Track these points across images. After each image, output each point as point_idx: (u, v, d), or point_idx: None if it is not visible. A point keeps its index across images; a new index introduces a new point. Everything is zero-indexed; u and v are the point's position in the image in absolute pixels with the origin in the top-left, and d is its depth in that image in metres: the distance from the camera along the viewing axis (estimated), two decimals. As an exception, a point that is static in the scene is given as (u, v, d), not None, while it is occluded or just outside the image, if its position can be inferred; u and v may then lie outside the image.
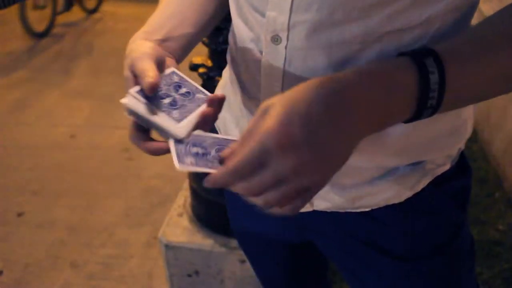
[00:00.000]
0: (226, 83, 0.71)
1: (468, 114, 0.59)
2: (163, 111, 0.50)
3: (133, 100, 0.49)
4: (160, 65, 0.53)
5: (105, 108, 3.07)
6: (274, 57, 0.52)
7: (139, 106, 0.49)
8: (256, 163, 0.39)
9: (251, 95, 0.61)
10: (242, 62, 0.60)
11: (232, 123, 0.69)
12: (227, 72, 0.71)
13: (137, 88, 0.50)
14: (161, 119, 0.49)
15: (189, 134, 0.49)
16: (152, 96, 0.50)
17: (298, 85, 0.41)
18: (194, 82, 0.55)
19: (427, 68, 0.42)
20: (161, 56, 0.54)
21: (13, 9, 3.84)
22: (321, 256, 0.93)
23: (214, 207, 1.48)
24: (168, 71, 0.54)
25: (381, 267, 0.67)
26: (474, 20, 0.52)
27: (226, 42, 0.96)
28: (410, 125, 0.52)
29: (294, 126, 0.38)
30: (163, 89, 0.52)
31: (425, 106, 0.43)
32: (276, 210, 0.43)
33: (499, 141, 2.31)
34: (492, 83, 0.46)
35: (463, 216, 0.66)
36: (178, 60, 0.60)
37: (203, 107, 0.52)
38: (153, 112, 0.49)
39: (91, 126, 2.88)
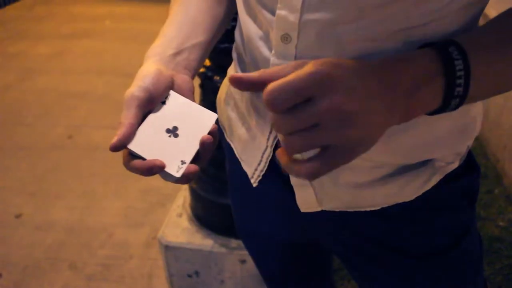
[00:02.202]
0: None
1: (477, 111, 0.59)
2: (165, 153, 0.51)
3: (138, 147, 0.52)
4: (152, 100, 0.54)
5: (103, 109, 3.06)
6: (284, 56, 0.51)
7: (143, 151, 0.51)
8: (303, 90, 0.38)
9: (259, 94, 0.60)
10: (251, 60, 0.59)
11: (238, 122, 0.68)
12: (232, 70, 0.70)
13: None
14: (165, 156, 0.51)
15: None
16: (152, 133, 0.52)
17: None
18: (191, 102, 0.56)
19: (451, 55, 0.42)
20: (158, 88, 0.54)
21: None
22: (326, 256, 0.93)
23: (213, 207, 1.48)
24: (167, 96, 0.55)
25: (391, 266, 0.67)
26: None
27: (224, 41, 0.95)
28: (421, 122, 0.51)
29: (348, 71, 0.39)
30: (161, 123, 0.53)
31: (452, 95, 0.43)
32: (298, 170, 0.41)
33: (498, 137, 2.31)
34: None
35: (472, 213, 0.66)
36: (195, 70, 0.60)
37: (202, 137, 0.53)
38: (155, 156, 0.51)
39: (89, 126, 2.87)
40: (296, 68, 0.40)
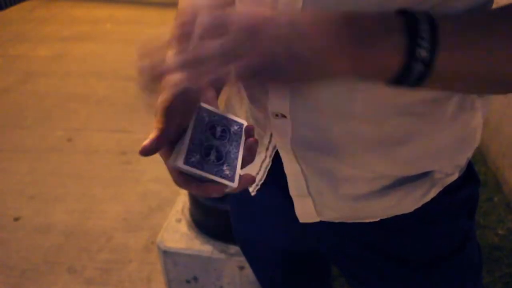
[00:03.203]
0: (231, 92, 0.70)
1: (477, 123, 0.59)
2: (214, 173, 0.48)
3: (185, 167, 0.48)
4: (184, 103, 0.49)
5: (103, 112, 3.06)
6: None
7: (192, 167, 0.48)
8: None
9: (259, 105, 0.60)
10: None
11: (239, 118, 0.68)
12: None
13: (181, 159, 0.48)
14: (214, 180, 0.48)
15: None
16: (196, 150, 0.48)
17: None
18: (221, 112, 0.53)
19: (415, 15, 0.39)
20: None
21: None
22: (325, 263, 0.93)
23: (213, 213, 1.47)
24: (197, 110, 0.51)
25: (390, 275, 0.67)
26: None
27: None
28: (419, 133, 0.51)
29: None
30: (202, 138, 0.50)
31: (413, 56, 0.39)
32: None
33: (497, 144, 2.31)
34: (490, 64, 0.42)
35: (471, 225, 0.66)
36: None
37: (243, 143, 0.51)
38: (206, 176, 0.48)
39: (89, 129, 2.87)
40: None
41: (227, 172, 0.48)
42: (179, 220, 1.61)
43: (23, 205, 2.20)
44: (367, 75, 0.42)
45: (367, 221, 0.62)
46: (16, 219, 2.11)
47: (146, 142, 0.46)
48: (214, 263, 1.49)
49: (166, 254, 1.51)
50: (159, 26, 4.49)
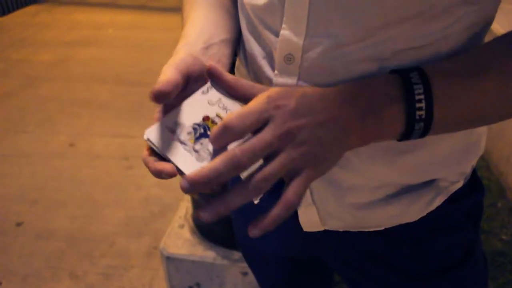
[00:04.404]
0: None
1: (482, 130, 0.58)
2: (186, 152, 0.44)
3: (156, 132, 0.44)
4: (193, 78, 0.49)
5: (105, 117, 3.06)
6: (287, 75, 0.51)
7: (160, 140, 0.44)
8: (254, 118, 0.41)
9: None
10: (254, 77, 0.59)
11: None
12: None
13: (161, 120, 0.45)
14: (180, 158, 0.43)
15: None
16: (178, 126, 0.44)
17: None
18: (230, 99, 0.47)
19: (411, 79, 0.43)
20: (194, 67, 0.49)
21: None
22: (327, 271, 0.92)
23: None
24: (208, 89, 0.47)
25: (395, 286, 0.66)
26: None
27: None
28: (424, 142, 0.51)
29: (293, 98, 0.42)
30: (191, 117, 0.45)
31: (414, 118, 0.43)
32: (277, 212, 0.43)
33: (500, 150, 2.30)
34: (485, 103, 0.46)
35: (476, 233, 0.65)
36: (227, 68, 0.55)
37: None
38: (174, 155, 0.43)
39: (91, 134, 2.87)
40: (264, 90, 0.45)
41: (196, 163, 0.43)
42: (182, 226, 1.60)
43: (26, 210, 2.20)
44: (372, 141, 0.46)
45: (371, 230, 0.62)
46: (18, 224, 2.11)
47: (157, 85, 0.43)
48: (217, 269, 1.49)
49: (169, 260, 1.51)
50: (161, 31, 4.52)
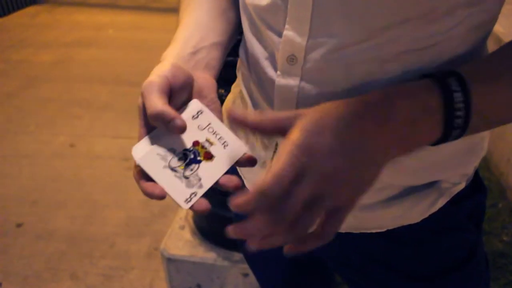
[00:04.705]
0: (236, 99, 0.70)
1: (484, 132, 0.58)
2: (175, 178, 0.44)
3: (147, 158, 0.44)
4: (176, 90, 0.49)
5: (105, 117, 3.06)
6: (289, 76, 0.51)
7: (151, 166, 0.44)
8: (291, 176, 0.38)
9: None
10: (256, 78, 0.59)
11: (242, 141, 0.67)
12: (237, 88, 0.70)
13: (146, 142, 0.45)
14: (171, 186, 0.44)
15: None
16: (167, 150, 0.45)
17: (324, 103, 0.42)
18: (222, 125, 0.49)
19: (450, 87, 0.42)
20: (177, 79, 0.49)
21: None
22: (329, 273, 0.92)
23: (216, 219, 1.46)
24: (198, 114, 0.48)
25: (396, 287, 0.66)
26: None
27: (230, 54, 0.94)
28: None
29: (325, 136, 0.39)
30: (181, 142, 0.46)
31: (452, 126, 0.43)
32: (311, 242, 0.44)
33: (501, 150, 2.30)
34: None
35: (478, 235, 0.65)
36: (216, 70, 0.57)
37: (222, 177, 0.47)
38: (163, 179, 0.44)
39: (91, 135, 2.87)
40: (290, 120, 0.41)
41: (185, 189, 0.44)
42: (182, 227, 1.60)
43: (26, 211, 2.20)
44: (408, 152, 0.45)
45: (373, 231, 0.62)
46: (18, 225, 2.11)
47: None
48: (218, 271, 1.49)
49: (170, 261, 1.51)
50: (161, 32, 4.50)
